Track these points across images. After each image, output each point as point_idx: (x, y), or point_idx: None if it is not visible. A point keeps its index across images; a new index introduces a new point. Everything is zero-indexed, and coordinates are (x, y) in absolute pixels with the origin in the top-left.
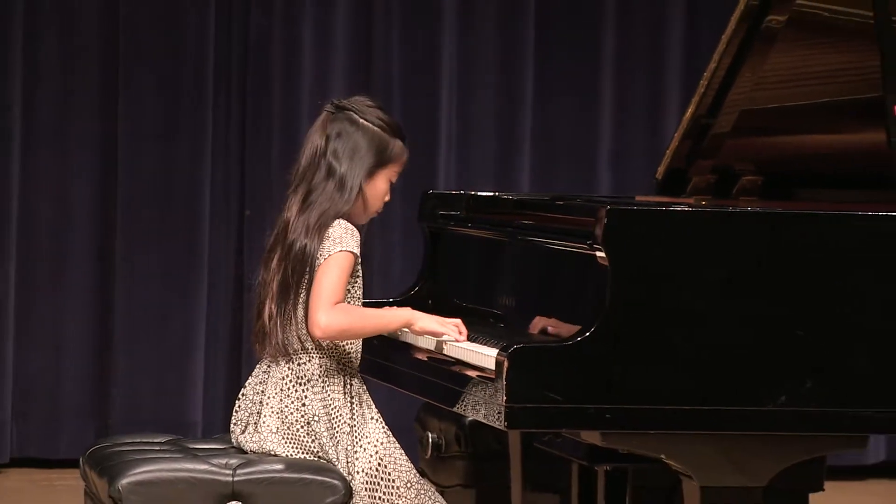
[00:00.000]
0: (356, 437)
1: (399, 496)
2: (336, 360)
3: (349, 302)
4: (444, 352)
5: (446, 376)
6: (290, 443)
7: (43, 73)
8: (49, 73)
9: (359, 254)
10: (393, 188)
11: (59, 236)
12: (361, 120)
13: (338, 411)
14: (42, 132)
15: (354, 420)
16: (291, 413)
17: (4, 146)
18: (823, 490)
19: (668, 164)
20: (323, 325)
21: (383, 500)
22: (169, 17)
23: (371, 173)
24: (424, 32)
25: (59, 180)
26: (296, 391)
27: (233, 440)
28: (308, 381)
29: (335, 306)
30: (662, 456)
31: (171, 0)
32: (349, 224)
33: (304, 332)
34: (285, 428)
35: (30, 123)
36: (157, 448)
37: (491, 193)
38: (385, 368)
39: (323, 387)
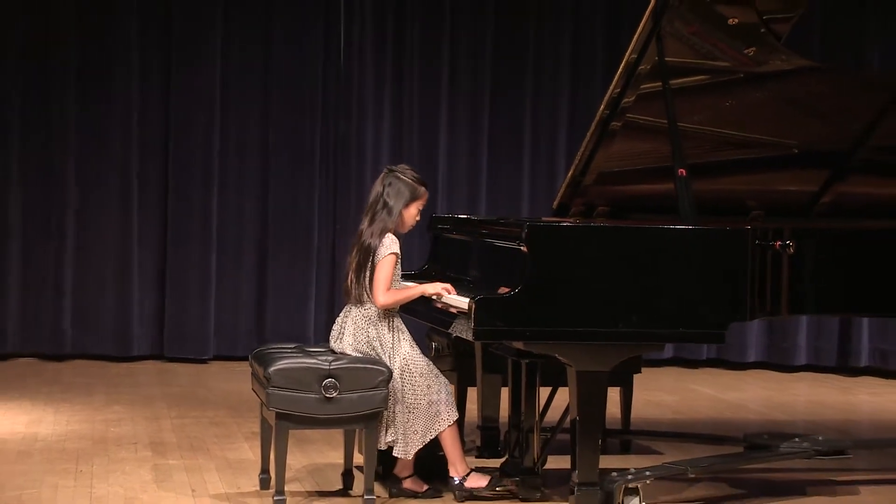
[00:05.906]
0: (395, 351)
1: (415, 381)
2: (385, 308)
3: (396, 279)
4: (442, 300)
5: (443, 313)
6: (358, 353)
7: (231, 151)
8: (232, 151)
9: (399, 253)
10: (420, 213)
11: (237, 236)
12: (402, 176)
13: (385, 337)
14: (229, 181)
15: (394, 342)
16: (358, 336)
17: (208, 190)
18: (640, 372)
19: (559, 200)
20: (381, 302)
21: (409, 381)
22: (294, 121)
23: (407, 204)
24: (429, 129)
25: (236, 206)
26: (361, 325)
27: (330, 345)
28: (369, 319)
29: (387, 291)
30: (556, 355)
31: (295, 112)
32: (394, 236)
33: (368, 291)
34: (356, 344)
35: (222, 175)
36: (289, 350)
37: (465, 216)
38: (410, 309)
39: (377, 323)
